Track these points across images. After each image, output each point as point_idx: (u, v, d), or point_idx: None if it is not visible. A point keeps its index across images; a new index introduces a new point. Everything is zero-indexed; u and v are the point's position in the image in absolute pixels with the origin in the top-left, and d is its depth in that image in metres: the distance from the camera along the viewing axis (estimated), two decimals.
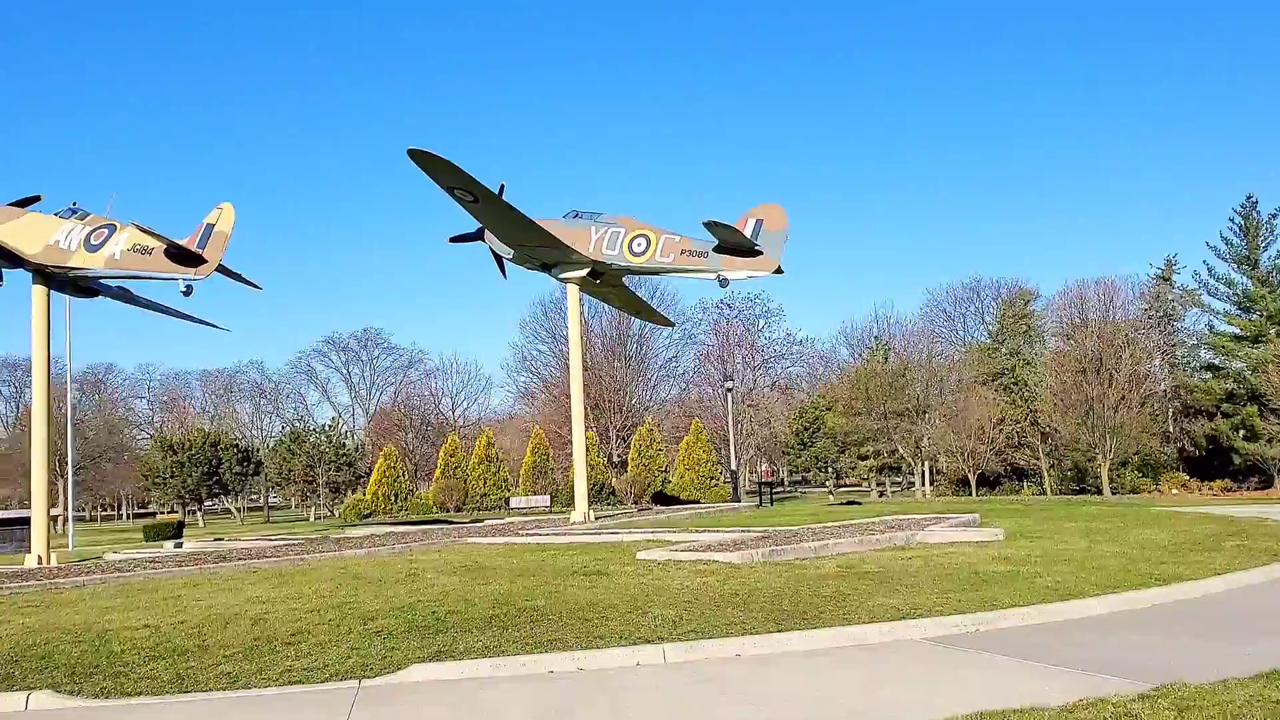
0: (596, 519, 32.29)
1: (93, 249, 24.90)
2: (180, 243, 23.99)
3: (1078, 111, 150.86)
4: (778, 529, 24.18)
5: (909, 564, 16.40)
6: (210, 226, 24.05)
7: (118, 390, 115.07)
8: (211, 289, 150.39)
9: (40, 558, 24.78)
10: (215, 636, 11.94)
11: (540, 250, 31.14)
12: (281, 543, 28.69)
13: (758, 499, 51.34)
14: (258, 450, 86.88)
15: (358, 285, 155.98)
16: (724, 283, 30.29)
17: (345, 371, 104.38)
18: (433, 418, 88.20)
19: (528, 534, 26.07)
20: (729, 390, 56.17)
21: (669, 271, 31.46)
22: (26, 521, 42.05)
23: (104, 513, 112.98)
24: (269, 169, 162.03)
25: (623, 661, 10.49)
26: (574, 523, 30.67)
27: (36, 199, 27.05)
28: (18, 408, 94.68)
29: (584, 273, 31.44)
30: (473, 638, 11.38)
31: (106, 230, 25.05)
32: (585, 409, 65.44)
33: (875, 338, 76.85)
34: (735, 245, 29.59)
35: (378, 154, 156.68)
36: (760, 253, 29.59)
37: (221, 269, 25.29)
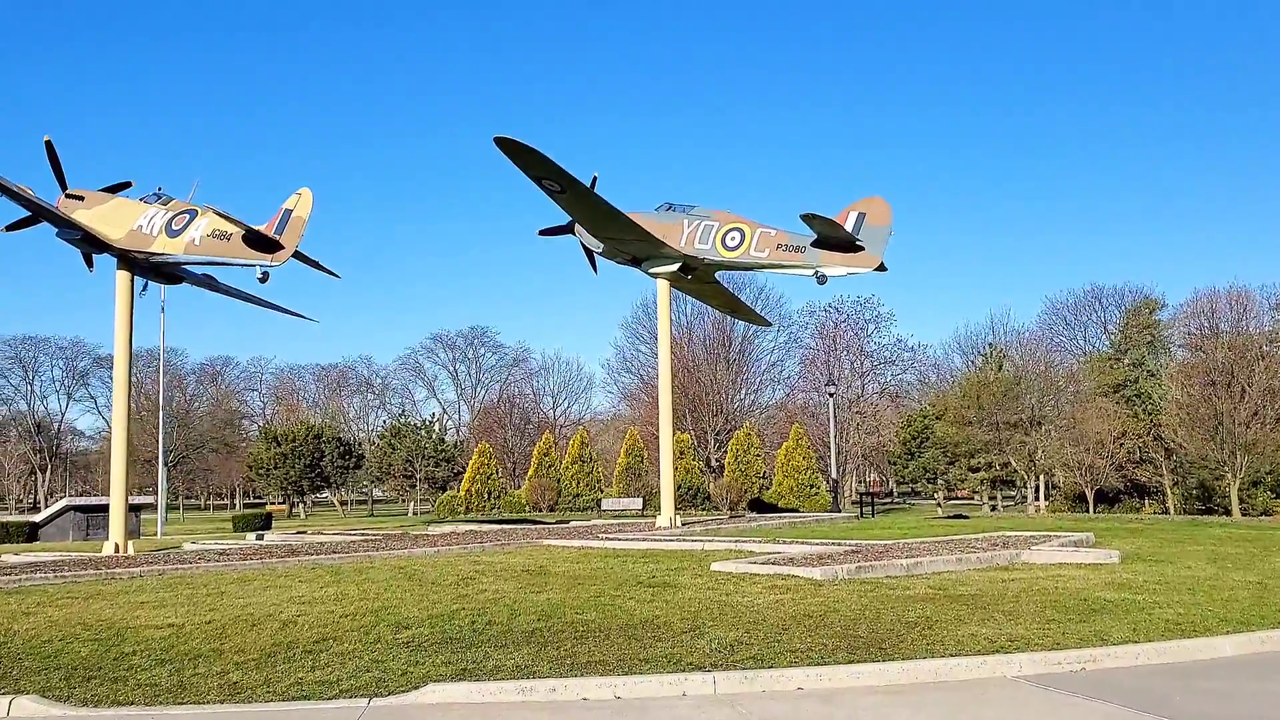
0: (683, 525, 31.03)
1: (173, 234, 24.67)
2: (258, 228, 23.55)
3: (1205, 114, 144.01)
4: (871, 543, 22.59)
5: (1009, 587, 14.73)
6: (288, 212, 23.55)
7: (234, 383, 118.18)
8: (323, 284, 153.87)
9: (117, 546, 24.60)
10: (236, 640, 11.06)
11: (630, 244, 30.01)
12: (359, 537, 28.17)
13: (859, 509, 49.41)
14: (360, 444, 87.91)
15: (467, 283, 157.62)
16: (822, 280, 28.70)
17: (452, 369, 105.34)
18: (534, 416, 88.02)
19: (607, 538, 24.96)
20: (831, 395, 54.22)
21: (764, 267, 29.98)
22: (134, 509, 42.74)
23: (217, 501, 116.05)
24: (378, 166, 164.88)
25: (667, 690, 9.24)
26: (658, 528, 29.48)
27: (127, 185, 27.04)
28: (139, 396, 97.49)
29: (674, 267, 30.20)
30: (507, 654, 10.25)
31: (187, 215, 24.81)
32: (683, 411, 64.36)
33: (989, 344, 73.80)
34: (835, 240, 28.01)
35: (490, 151, 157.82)
36: (862, 248, 27.96)
37: (299, 255, 24.80)
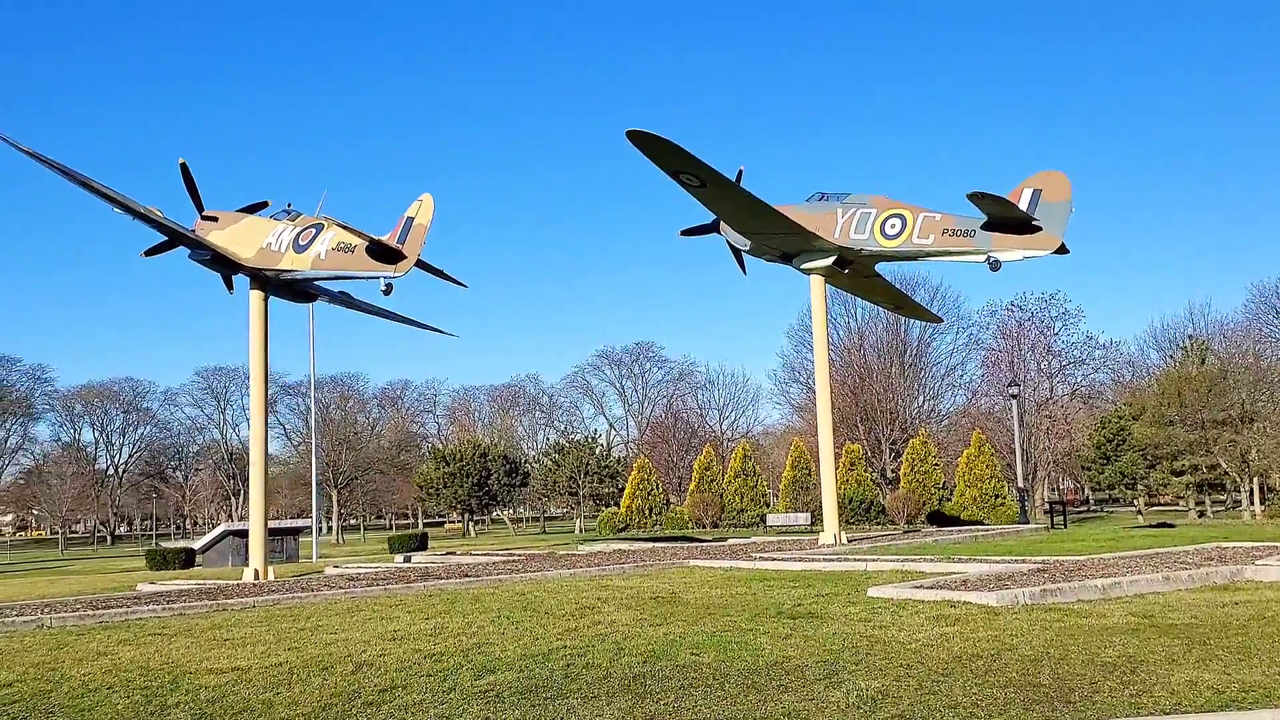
0: (849, 541, 28.60)
1: (300, 249, 24.04)
2: (381, 239, 22.62)
3: None
4: (1060, 559, 19.82)
5: (1232, 614, 11.99)
6: (410, 220, 22.52)
7: (413, 405, 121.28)
8: (490, 302, 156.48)
9: (257, 572, 23.98)
10: (297, 688, 9.59)
11: (779, 238, 27.90)
12: (504, 558, 27.03)
13: (1050, 520, 45.52)
14: (527, 462, 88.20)
15: (631, 297, 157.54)
16: (995, 265, 25.91)
17: (619, 385, 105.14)
18: (700, 430, 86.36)
19: (761, 557, 22.90)
20: (1014, 397, 50.40)
21: (929, 255, 27.33)
22: (293, 531, 43.10)
23: (399, 521, 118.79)
24: (539, 183, 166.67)
25: None
26: (822, 545, 27.17)
27: (263, 205, 26.68)
28: (306, 424, 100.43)
29: (829, 261, 27.88)
30: (595, 708, 8.40)
31: (314, 230, 24.16)
32: (855, 420, 61.42)
33: (1189, 337, 68.02)
34: (1008, 220, 25.22)
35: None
36: (1039, 228, 25.08)
37: (422, 264, 23.76)
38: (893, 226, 27.32)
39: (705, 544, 32.24)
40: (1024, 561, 19.52)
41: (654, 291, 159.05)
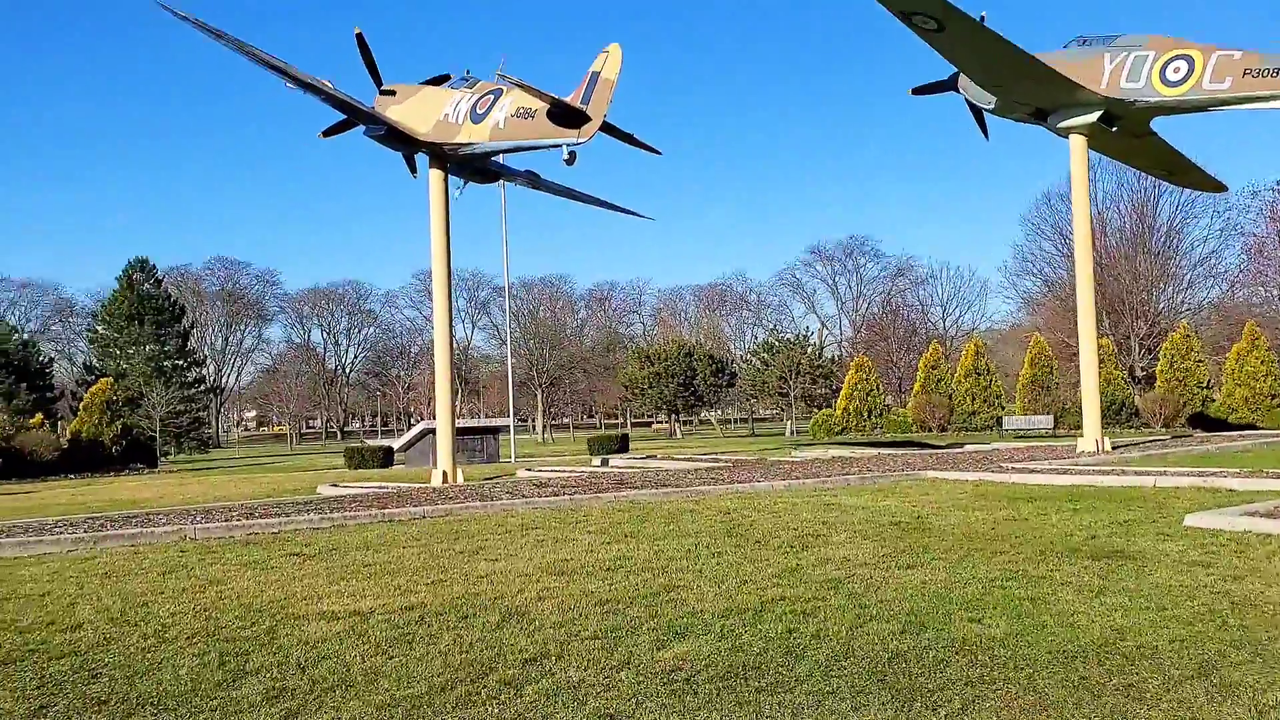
0: (1113, 448, 24.40)
1: (478, 119, 21.47)
2: (564, 100, 19.70)
3: None
4: None
5: None
6: (595, 75, 19.45)
7: (619, 306, 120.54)
8: (697, 195, 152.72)
9: (445, 474, 22.15)
10: (419, 649, 7.05)
11: (1033, 91, 23.42)
12: (708, 465, 24.26)
13: None
14: (733, 362, 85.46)
15: (846, 191, 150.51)
16: None
17: (831, 282, 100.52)
18: (921, 327, 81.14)
19: (1013, 468, 19.25)
20: None
21: (1222, 104, 22.26)
22: (493, 430, 41.92)
23: (608, 421, 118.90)
24: (753, 82, 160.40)
25: None
26: (1081, 453, 23.16)
27: (446, 78, 24.31)
28: (532, 323, 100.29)
29: (1094, 117, 23.20)
30: (838, 718, 5.38)
31: (492, 96, 21.48)
32: (1099, 313, 55.41)
33: None
34: None
35: (863, 49, 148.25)
36: None
37: (609, 129, 20.72)
38: (1176, 71, 22.41)
39: (938, 450, 28.59)
40: None
41: (869, 182, 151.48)
